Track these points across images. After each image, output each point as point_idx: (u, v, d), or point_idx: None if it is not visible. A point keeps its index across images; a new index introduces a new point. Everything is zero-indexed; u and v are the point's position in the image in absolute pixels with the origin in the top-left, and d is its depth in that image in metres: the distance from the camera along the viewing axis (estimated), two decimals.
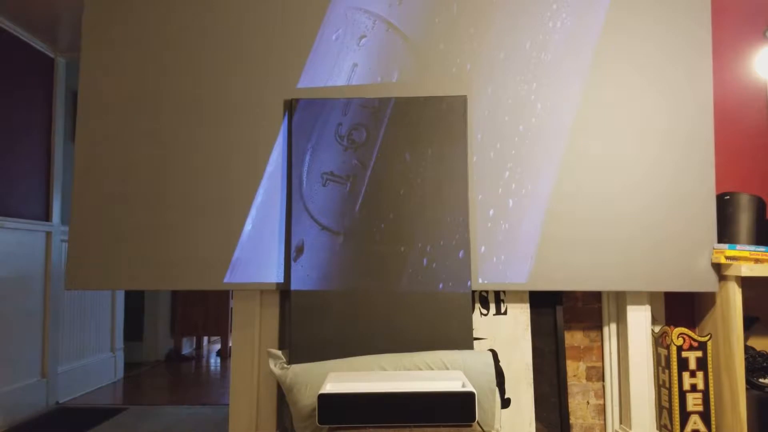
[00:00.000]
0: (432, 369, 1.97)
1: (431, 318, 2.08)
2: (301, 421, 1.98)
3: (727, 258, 2.10)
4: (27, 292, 3.19)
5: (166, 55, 2.25)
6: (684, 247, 2.18)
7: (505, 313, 2.24)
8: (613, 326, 2.37)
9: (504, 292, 2.25)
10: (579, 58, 2.24)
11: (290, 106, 2.21)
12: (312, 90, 2.23)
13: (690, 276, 2.17)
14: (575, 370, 2.40)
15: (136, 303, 4.89)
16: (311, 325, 2.07)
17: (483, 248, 2.17)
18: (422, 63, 2.24)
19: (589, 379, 2.40)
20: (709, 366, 2.18)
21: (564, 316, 2.39)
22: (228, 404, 3.33)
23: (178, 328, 5.07)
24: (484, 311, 2.24)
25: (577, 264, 2.16)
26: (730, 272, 2.11)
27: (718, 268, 2.17)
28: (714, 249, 2.17)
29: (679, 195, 2.20)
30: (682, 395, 2.17)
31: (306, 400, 1.96)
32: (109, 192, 2.20)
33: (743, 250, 2.09)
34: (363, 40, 2.25)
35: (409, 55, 2.24)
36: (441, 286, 2.09)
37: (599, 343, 2.40)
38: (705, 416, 2.17)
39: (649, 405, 2.25)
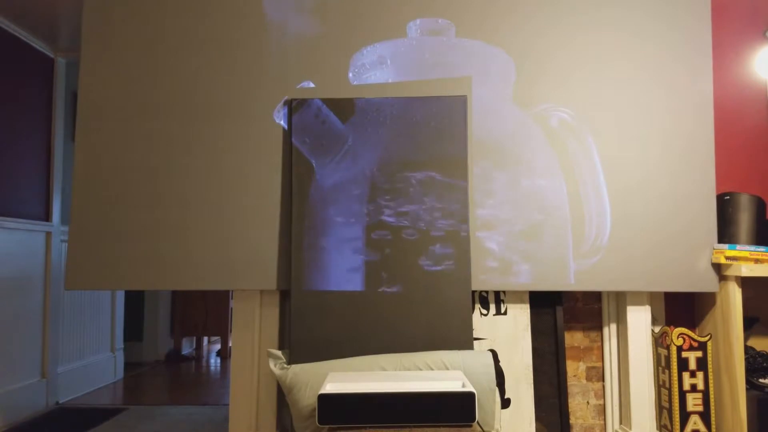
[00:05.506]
0: (432, 369, 1.97)
1: (431, 318, 2.07)
2: (301, 421, 1.98)
3: (727, 258, 2.10)
4: (27, 292, 3.19)
5: (165, 55, 2.25)
6: (684, 247, 2.18)
7: (505, 313, 2.24)
8: (613, 326, 2.37)
9: (504, 292, 2.25)
10: (578, 58, 2.24)
11: (290, 106, 2.21)
12: (312, 90, 2.23)
13: (690, 276, 2.17)
14: (575, 370, 2.40)
15: (136, 303, 4.89)
16: (311, 325, 2.07)
17: (483, 247, 2.17)
18: (423, 63, 2.24)
19: (589, 379, 2.40)
20: (709, 366, 2.18)
21: (564, 316, 2.39)
22: (228, 404, 3.33)
23: (178, 328, 5.06)
24: (484, 311, 2.24)
25: (577, 264, 2.16)
26: (730, 272, 2.11)
27: (718, 268, 2.17)
28: (714, 249, 2.17)
29: (679, 195, 2.20)
30: (682, 395, 2.17)
31: (306, 400, 1.96)
32: (109, 192, 2.20)
33: (743, 250, 2.09)
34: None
35: (409, 55, 2.24)
36: (441, 285, 2.08)
37: (599, 344, 2.40)
38: (705, 416, 2.17)
39: (649, 405, 2.25)
